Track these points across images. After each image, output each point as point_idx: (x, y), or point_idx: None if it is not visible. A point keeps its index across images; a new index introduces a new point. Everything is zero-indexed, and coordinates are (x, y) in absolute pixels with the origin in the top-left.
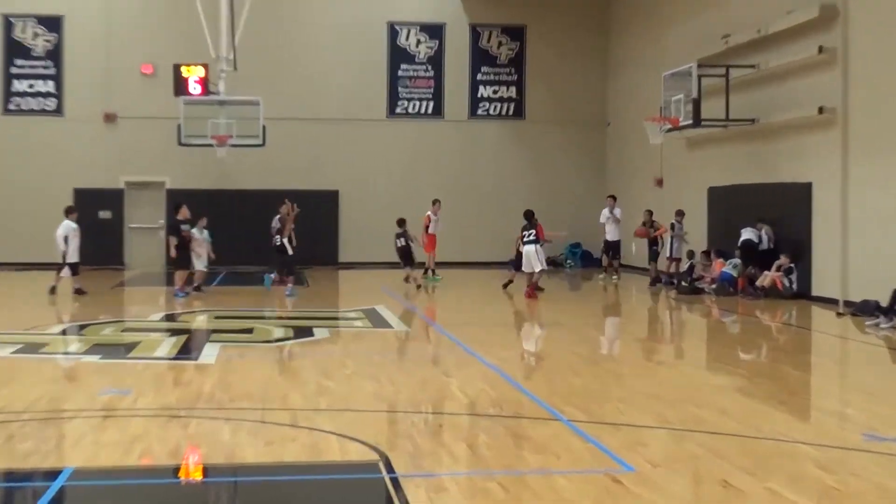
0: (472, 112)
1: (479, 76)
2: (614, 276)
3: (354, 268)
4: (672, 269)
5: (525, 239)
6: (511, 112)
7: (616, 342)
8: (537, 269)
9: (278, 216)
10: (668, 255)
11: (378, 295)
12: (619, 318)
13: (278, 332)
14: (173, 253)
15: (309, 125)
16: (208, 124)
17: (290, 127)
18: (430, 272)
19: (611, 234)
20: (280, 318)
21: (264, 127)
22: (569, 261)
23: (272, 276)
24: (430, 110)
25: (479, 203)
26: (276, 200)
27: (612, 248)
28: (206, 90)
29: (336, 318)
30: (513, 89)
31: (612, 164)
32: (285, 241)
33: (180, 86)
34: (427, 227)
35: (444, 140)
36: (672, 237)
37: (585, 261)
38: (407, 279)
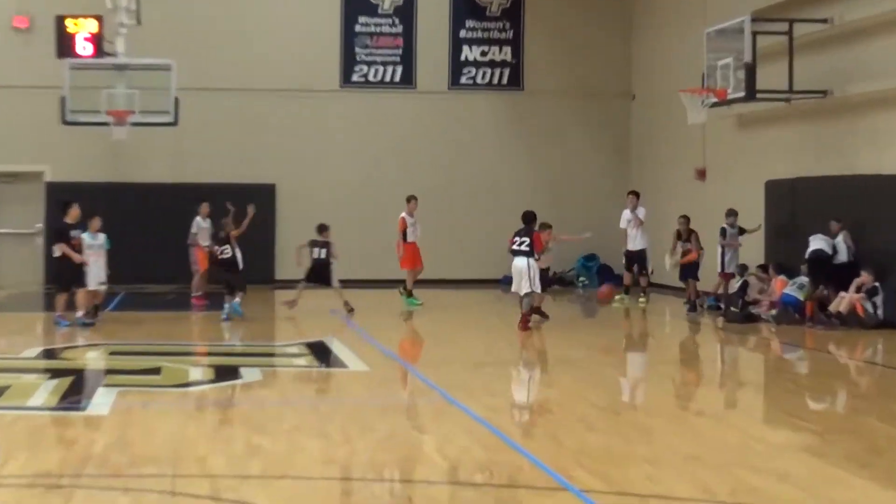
0: (454, 80)
1: (462, 33)
2: (641, 299)
3: (297, 287)
4: (721, 290)
5: (515, 247)
6: (505, 80)
7: (643, 386)
8: (523, 291)
9: (198, 217)
10: (718, 268)
11: (328, 323)
12: (648, 353)
13: (195, 374)
14: (79, 259)
15: (237, 98)
16: (103, 96)
17: (211, 100)
18: (404, 292)
19: (633, 241)
20: (197, 353)
21: (177, 100)
22: (581, 278)
23: (237, 300)
24: (397, 78)
25: (465, 201)
26: (193, 196)
27: (637, 260)
28: (99, 50)
29: (272, 355)
30: (507, 50)
31: (638, 149)
32: (237, 250)
33: (65, 45)
34: (404, 232)
35: (416, 118)
36: (722, 246)
37: (604, 277)
38: (292, 304)
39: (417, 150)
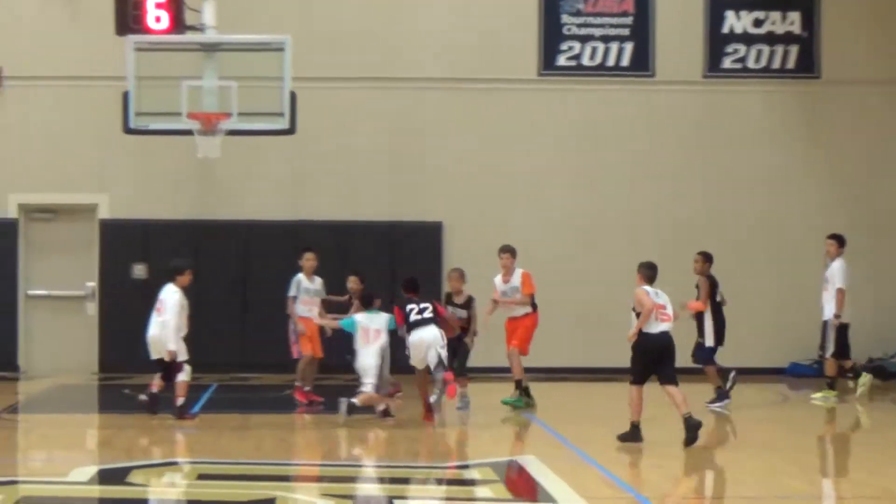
0: (713, 65)
1: None
2: (830, 396)
3: (477, 374)
4: None
5: (415, 317)
6: (791, 64)
7: None
8: (432, 364)
9: (300, 275)
10: None
11: (526, 431)
12: None
13: None
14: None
15: (385, 94)
16: (182, 90)
17: (344, 97)
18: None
19: (827, 305)
20: (327, 478)
21: (294, 95)
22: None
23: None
24: (625, 61)
25: (732, 246)
26: (318, 238)
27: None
28: (177, 24)
29: (439, 481)
30: (794, 18)
31: None
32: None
33: (128, 15)
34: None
35: (654, 120)
36: None
37: None
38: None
39: (656, 169)
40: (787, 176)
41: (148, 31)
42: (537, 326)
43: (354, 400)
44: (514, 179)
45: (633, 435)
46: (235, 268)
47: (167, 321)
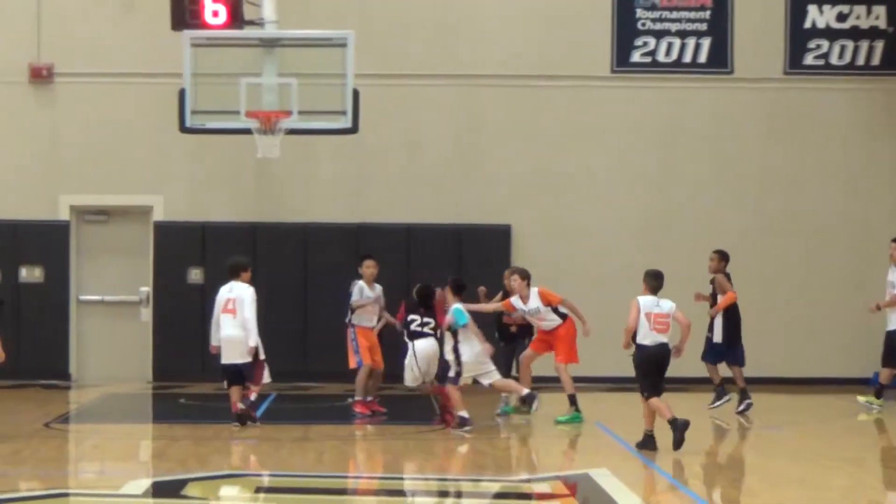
0: (794, 61)
1: None
2: (873, 404)
3: (545, 384)
4: None
5: (415, 329)
6: (876, 61)
7: None
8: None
9: (360, 283)
10: None
11: (597, 443)
12: None
13: None
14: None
15: (451, 91)
16: (241, 88)
17: (408, 94)
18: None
19: (891, 319)
20: (387, 492)
21: (357, 93)
22: None
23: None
24: (703, 57)
25: (810, 249)
26: (380, 242)
27: (888, 349)
28: (235, 19)
29: (507, 495)
30: (879, 13)
31: None
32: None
33: (184, 11)
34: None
35: (733, 120)
36: None
37: None
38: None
39: (734, 169)
40: (871, 176)
41: (205, 26)
42: (577, 334)
43: (526, 391)
44: (585, 181)
45: (681, 431)
46: (294, 272)
47: (248, 319)
